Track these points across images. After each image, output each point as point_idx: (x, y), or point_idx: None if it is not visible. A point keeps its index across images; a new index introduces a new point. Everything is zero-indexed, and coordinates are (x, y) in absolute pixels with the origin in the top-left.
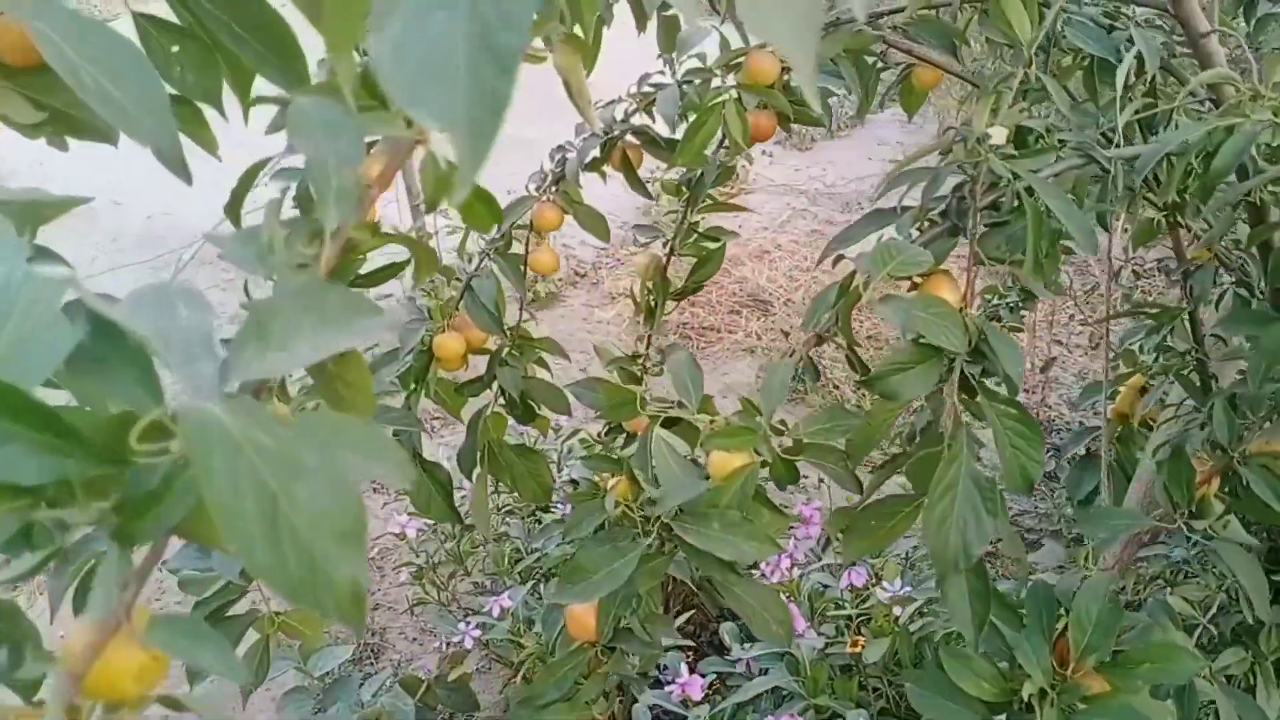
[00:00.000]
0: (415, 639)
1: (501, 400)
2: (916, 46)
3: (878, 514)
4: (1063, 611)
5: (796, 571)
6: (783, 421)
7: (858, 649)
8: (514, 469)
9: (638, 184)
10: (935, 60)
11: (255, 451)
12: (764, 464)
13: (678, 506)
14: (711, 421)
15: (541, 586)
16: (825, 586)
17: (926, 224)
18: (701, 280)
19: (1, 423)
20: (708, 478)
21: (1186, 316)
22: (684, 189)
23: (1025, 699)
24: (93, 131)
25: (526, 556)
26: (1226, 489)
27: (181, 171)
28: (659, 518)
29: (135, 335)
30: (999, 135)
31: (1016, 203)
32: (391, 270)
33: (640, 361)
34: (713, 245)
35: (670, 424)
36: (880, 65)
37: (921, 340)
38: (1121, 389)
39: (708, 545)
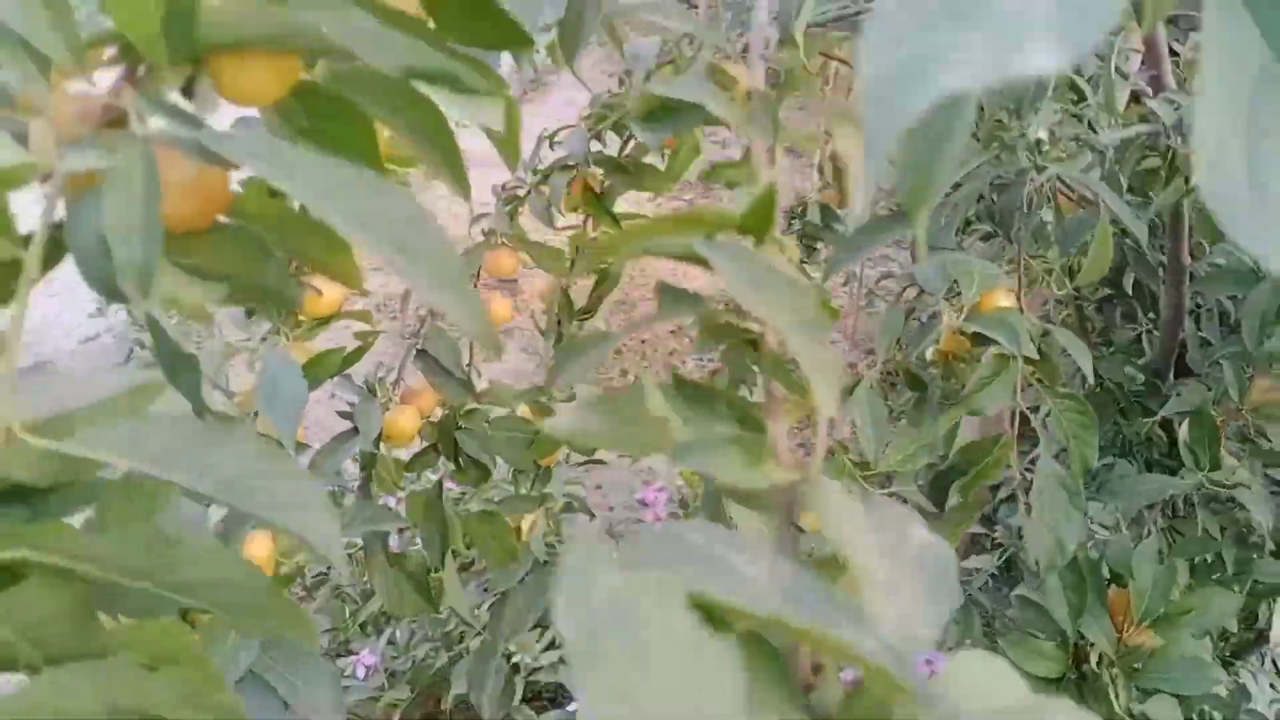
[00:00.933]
0: None
1: (453, 468)
2: None
3: (950, 521)
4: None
5: None
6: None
7: None
8: (477, 535)
9: (607, 215)
10: None
11: None
12: None
13: None
14: None
15: (398, 633)
16: None
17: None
18: (603, 296)
19: None
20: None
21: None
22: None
23: (1080, 670)
24: (279, 299)
25: (362, 605)
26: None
27: (491, 343)
28: None
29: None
30: (1043, 135)
31: (1049, 202)
32: (363, 349)
33: (547, 392)
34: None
35: None
36: None
37: (997, 351)
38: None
39: None
